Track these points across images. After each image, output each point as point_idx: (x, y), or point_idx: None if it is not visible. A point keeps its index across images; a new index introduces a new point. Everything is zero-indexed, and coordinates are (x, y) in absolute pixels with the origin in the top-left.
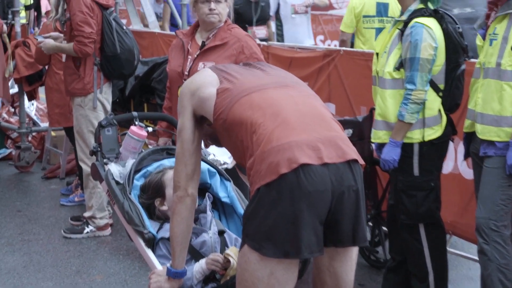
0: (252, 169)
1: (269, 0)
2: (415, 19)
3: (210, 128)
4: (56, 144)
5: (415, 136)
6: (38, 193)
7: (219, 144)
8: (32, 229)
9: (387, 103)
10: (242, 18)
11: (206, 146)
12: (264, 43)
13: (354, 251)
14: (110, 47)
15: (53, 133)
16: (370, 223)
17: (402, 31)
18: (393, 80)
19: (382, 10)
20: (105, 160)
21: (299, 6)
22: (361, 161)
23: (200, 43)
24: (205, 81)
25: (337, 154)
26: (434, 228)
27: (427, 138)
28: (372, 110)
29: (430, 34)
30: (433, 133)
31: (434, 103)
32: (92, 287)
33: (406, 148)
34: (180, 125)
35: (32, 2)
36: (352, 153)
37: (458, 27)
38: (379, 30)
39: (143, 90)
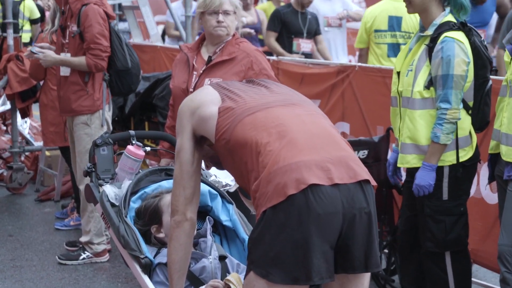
0: (258, 192)
1: (316, 15)
2: (445, 34)
3: (211, 149)
4: (51, 165)
5: (448, 158)
6: (31, 216)
7: (220, 167)
8: (24, 255)
9: (417, 125)
10: (288, 27)
11: (207, 168)
12: (274, 58)
13: (366, 278)
14: (122, 62)
15: (47, 153)
16: (386, 250)
17: (429, 47)
18: (423, 100)
19: (394, 24)
20: (100, 181)
21: (332, 19)
22: (373, 182)
23: (206, 58)
24: (206, 99)
25: (348, 175)
26: (460, 257)
27: (460, 160)
28: (389, 130)
29: (462, 49)
30: (465, 154)
31: (464, 122)
32: None
33: (436, 171)
34: (179, 146)
35: (39, 15)
36: (364, 173)
37: (484, 40)
38: (391, 46)
39: (144, 108)
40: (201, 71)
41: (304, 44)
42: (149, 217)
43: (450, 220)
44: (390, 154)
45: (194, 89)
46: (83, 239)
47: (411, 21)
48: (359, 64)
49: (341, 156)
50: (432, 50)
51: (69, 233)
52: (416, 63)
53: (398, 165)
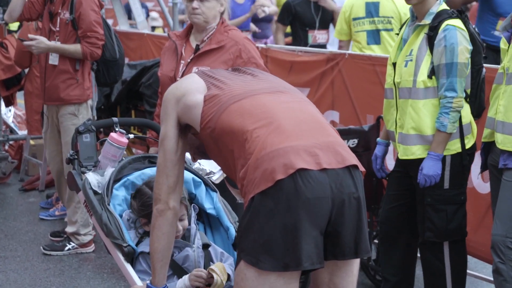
0: (245, 179)
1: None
2: (446, 22)
3: (196, 138)
4: (35, 154)
5: (453, 147)
6: (15, 206)
7: (206, 157)
8: (8, 245)
9: (422, 115)
10: (301, 20)
11: (194, 160)
12: (263, 45)
13: (356, 264)
14: (111, 52)
15: (32, 142)
16: (376, 240)
17: (429, 36)
18: (426, 89)
19: (372, 10)
20: (82, 169)
21: None
22: (362, 168)
23: (194, 46)
24: (191, 87)
25: (336, 160)
26: (460, 246)
27: (466, 147)
28: (379, 119)
29: (464, 37)
30: (468, 142)
31: (465, 110)
32: None
33: None
34: (163, 134)
35: None
36: (352, 159)
37: (474, 27)
38: (371, 33)
39: (131, 96)
40: (189, 60)
41: (320, 36)
42: (141, 207)
43: (451, 209)
44: (376, 148)
45: (182, 77)
46: (69, 229)
47: (389, 5)
48: (349, 52)
49: (329, 142)
50: (432, 39)
51: (54, 223)
52: (416, 53)
53: (401, 157)
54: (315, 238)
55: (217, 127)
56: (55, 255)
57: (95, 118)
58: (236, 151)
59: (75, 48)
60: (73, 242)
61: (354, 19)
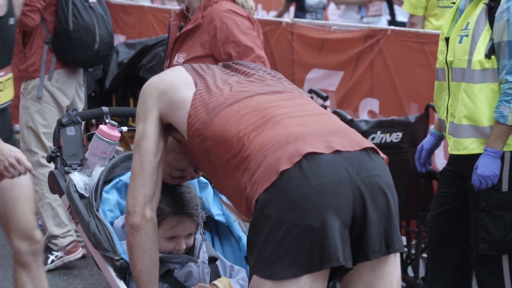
0: (250, 182)
1: None
2: None
3: (180, 145)
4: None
5: None
6: None
7: (183, 180)
8: None
9: (478, 102)
10: None
11: (170, 182)
12: (288, 20)
13: (391, 263)
14: (62, 23)
15: None
16: (425, 254)
17: (490, 7)
18: (483, 72)
19: None
20: (66, 168)
21: None
22: (383, 155)
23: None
24: (178, 83)
25: (351, 143)
26: None
27: None
28: (428, 108)
29: None
30: None
31: None
32: None
33: None
34: (140, 133)
35: None
36: (369, 143)
37: None
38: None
39: (129, 81)
40: (173, 44)
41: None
42: None
43: (510, 216)
44: (425, 138)
45: (169, 66)
46: (44, 237)
47: None
48: (392, 27)
49: (339, 128)
50: (493, 11)
51: None
52: (473, 27)
53: (452, 151)
54: (337, 230)
55: (208, 136)
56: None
57: (86, 108)
58: (233, 161)
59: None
60: (54, 251)
61: None
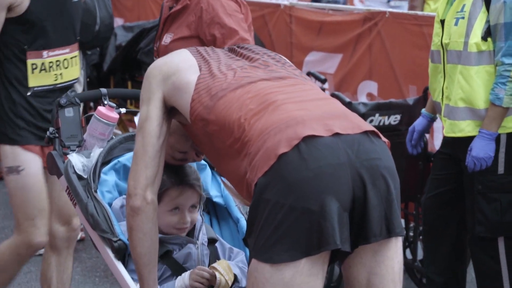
0: (250, 166)
1: None
2: None
3: (183, 127)
4: None
5: (509, 124)
6: None
7: (185, 161)
8: None
9: (474, 85)
10: None
11: (174, 162)
12: (286, 2)
13: (392, 247)
14: None
15: None
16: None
17: None
18: (479, 54)
19: None
20: (64, 150)
21: None
22: (384, 139)
23: None
24: (183, 66)
25: (351, 126)
26: None
27: None
28: (426, 91)
29: None
30: None
31: None
32: None
33: None
34: (144, 115)
35: None
36: (370, 126)
37: None
38: None
39: (127, 64)
40: (163, 25)
41: None
42: None
43: (506, 198)
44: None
45: (158, 48)
46: None
47: None
48: (390, 9)
49: (339, 111)
50: None
51: None
52: (469, 9)
53: (447, 134)
54: (336, 213)
55: (211, 121)
56: (38, 255)
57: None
58: (234, 146)
59: None
60: None
61: None
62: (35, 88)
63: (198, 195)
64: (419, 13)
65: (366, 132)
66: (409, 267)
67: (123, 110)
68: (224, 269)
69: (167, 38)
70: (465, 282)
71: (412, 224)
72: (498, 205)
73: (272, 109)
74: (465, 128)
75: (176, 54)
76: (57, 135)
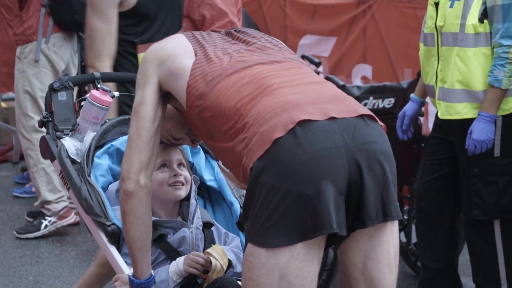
0: (245, 150)
1: None
2: None
3: (179, 114)
4: (8, 119)
5: (506, 106)
6: None
7: (179, 142)
8: None
9: (471, 66)
10: None
11: (169, 143)
12: None
13: (388, 232)
14: None
15: (3, 104)
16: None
17: None
18: (476, 36)
19: None
20: (58, 133)
21: None
22: (381, 122)
23: None
24: (179, 51)
25: (347, 109)
26: None
27: None
28: (420, 74)
29: None
30: None
31: None
32: None
33: None
34: (139, 99)
35: None
36: (366, 110)
37: None
38: None
39: None
40: None
41: None
42: None
43: (503, 181)
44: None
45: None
46: (37, 202)
47: None
48: None
49: (336, 95)
50: None
51: (30, 201)
52: None
53: (442, 116)
54: (331, 197)
55: (207, 107)
56: (32, 238)
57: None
58: (230, 132)
59: None
60: (48, 216)
61: None
62: None
63: (181, 153)
64: None
65: (362, 116)
66: (403, 250)
67: (116, 94)
68: (219, 254)
69: None
70: (457, 267)
71: (406, 207)
72: (495, 188)
73: (267, 93)
74: (462, 110)
75: (172, 38)
76: (50, 119)
